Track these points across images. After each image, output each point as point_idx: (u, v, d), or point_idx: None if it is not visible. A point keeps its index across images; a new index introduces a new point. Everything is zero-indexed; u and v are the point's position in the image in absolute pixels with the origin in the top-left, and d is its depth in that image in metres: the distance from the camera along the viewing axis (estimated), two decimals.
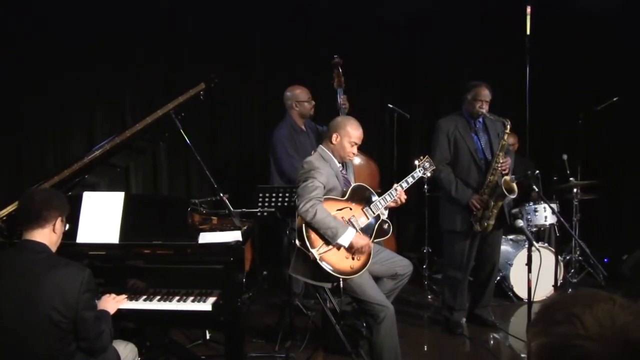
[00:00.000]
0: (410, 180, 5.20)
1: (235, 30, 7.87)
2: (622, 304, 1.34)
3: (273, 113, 7.42)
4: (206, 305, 4.20)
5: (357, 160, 6.82)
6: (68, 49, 7.14)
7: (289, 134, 6.63)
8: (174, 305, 4.22)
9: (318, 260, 4.66)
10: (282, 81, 7.22)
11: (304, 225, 4.71)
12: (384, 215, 5.06)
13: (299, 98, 6.73)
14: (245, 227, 4.71)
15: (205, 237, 4.50)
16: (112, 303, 4.00)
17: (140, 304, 4.23)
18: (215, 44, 7.77)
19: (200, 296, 4.28)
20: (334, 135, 5.02)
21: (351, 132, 5.02)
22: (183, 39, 7.70)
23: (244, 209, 5.36)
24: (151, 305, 4.23)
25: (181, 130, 4.77)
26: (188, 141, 4.78)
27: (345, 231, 4.73)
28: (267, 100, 8.08)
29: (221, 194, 4.79)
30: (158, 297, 4.28)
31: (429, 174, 5.36)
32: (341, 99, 6.51)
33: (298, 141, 6.61)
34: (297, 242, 4.77)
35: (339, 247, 4.75)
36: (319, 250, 4.68)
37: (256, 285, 4.99)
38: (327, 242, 4.72)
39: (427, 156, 5.38)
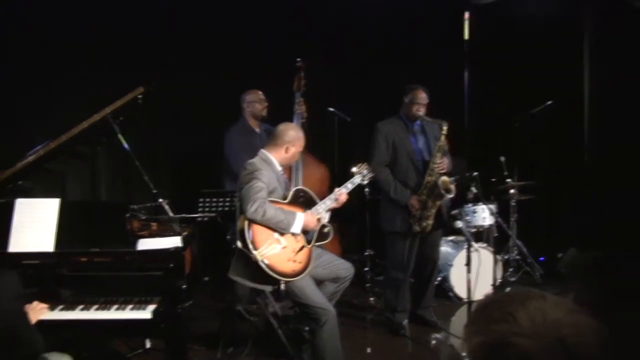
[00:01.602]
0: (349, 186, 5.28)
1: (188, 29, 7.78)
2: (554, 301, 1.37)
3: (222, 115, 7.38)
4: (146, 313, 4.12)
5: (309, 165, 6.84)
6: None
7: (240, 134, 6.70)
8: (113, 313, 4.13)
9: (260, 262, 4.65)
10: (230, 82, 7.20)
11: (246, 226, 4.71)
12: (325, 219, 5.09)
13: (250, 99, 6.81)
14: (185, 233, 4.66)
15: (145, 244, 4.43)
16: (34, 312, 3.89)
17: (77, 314, 4.12)
18: (167, 44, 7.66)
19: (140, 304, 4.20)
20: (287, 147, 5.08)
21: (300, 140, 5.15)
22: (134, 37, 7.57)
23: (184, 215, 5.31)
24: (88, 315, 4.12)
25: (119, 135, 4.69)
26: (126, 145, 4.71)
27: (295, 218, 4.83)
28: (216, 103, 7.99)
29: (160, 200, 4.73)
30: (96, 306, 4.18)
31: (367, 181, 5.45)
32: (297, 102, 6.55)
33: (249, 142, 6.61)
34: (238, 243, 4.75)
35: (283, 247, 4.78)
36: (261, 251, 4.67)
37: (198, 291, 4.94)
38: (271, 244, 4.73)
39: (365, 163, 5.46)
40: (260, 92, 6.85)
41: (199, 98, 7.85)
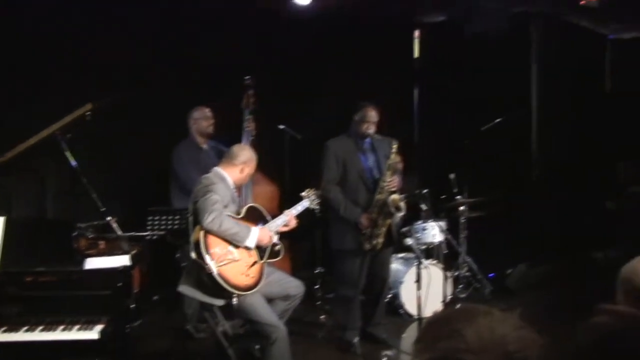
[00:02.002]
0: (299, 208, 5.43)
1: (137, 46, 7.71)
2: (501, 317, 1.39)
3: (170, 133, 7.33)
4: (93, 333, 4.06)
5: (259, 182, 6.85)
6: None
7: (188, 150, 6.70)
8: (59, 334, 4.05)
9: (214, 274, 4.66)
10: (177, 100, 7.16)
11: (202, 237, 4.73)
12: (275, 237, 5.13)
13: (196, 116, 6.79)
14: (134, 251, 4.61)
15: (92, 263, 4.38)
16: None
17: (21, 336, 4.03)
18: (114, 60, 7.57)
19: (87, 324, 4.13)
20: (243, 167, 5.19)
21: (254, 164, 5.29)
22: (83, 53, 7.47)
23: (132, 233, 5.26)
24: (33, 337, 4.03)
25: (66, 152, 4.64)
26: (73, 163, 4.66)
27: (250, 232, 4.92)
28: (160, 121, 7.93)
29: (109, 218, 4.69)
30: (41, 327, 4.09)
31: (314, 206, 5.63)
32: (246, 120, 6.56)
33: (197, 158, 6.61)
34: (192, 254, 4.75)
35: (237, 260, 4.82)
36: (215, 263, 4.67)
37: (147, 310, 4.89)
38: (226, 255, 4.77)
39: (313, 189, 5.63)
40: (207, 109, 6.83)
41: (147, 114, 7.78)
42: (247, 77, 6.65)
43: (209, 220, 4.72)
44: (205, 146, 6.80)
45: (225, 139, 6.85)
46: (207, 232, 4.76)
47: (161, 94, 7.86)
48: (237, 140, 6.65)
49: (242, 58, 8.07)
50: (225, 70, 7.75)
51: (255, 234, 4.96)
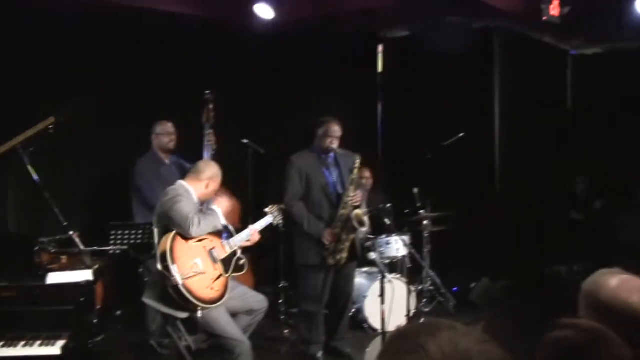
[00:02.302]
0: (262, 224, 5.48)
1: (97, 60, 7.66)
2: (464, 331, 1.38)
3: (132, 147, 7.30)
4: (55, 349, 4.03)
5: (221, 198, 6.82)
6: None
7: (149, 164, 6.64)
8: (20, 350, 4.01)
9: (180, 286, 4.64)
10: (140, 114, 7.13)
11: (168, 249, 4.72)
12: (238, 253, 5.17)
13: (156, 131, 6.75)
14: (96, 266, 4.58)
15: (54, 277, 4.34)
16: None
17: None
18: (73, 73, 7.52)
19: (49, 339, 4.09)
20: (208, 182, 5.22)
21: (219, 180, 5.33)
22: (44, 67, 7.41)
23: (95, 247, 5.22)
24: None
25: (28, 166, 4.60)
26: (35, 177, 4.62)
27: (215, 213, 5.17)
28: (123, 135, 7.89)
29: (71, 232, 4.65)
30: (1, 343, 4.05)
31: (277, 222, 5.69)
32: (207, 134, 6.53)
33: (159, 174, 6.57)
34: (159, 265, 4.73)
35: (202, 273, 4.83)
36: (182, 274, 4.66)
37: (109, 325, 4.85)
38: (192, 268, 4.77)
39: (276, 205, 5.68)
40: (169, 124, 6.79)
41: (107, 128, 7.75)
42: (207, 91, 6.62)
43: (195, 228, 4.82)
44: (167, 161, 6.76)
45: (186, 154, 6.85)
46: (188, 239, 4.84)
47: (122, 107, 7.84)
48: (199, 155, 6.66)
49: (204, 72, 8.06)
50: (187, 84, 7.75)
51: (219, 211, 5.19)
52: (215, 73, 8.22)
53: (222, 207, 5.32)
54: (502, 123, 8.90)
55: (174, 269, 4.66)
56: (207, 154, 6.46)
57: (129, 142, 7.57)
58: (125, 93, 7.84)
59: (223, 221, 5.15)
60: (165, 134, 6.72)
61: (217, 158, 6.37)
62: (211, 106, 6.60)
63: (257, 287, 6.75)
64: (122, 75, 7.81)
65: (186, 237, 4.88)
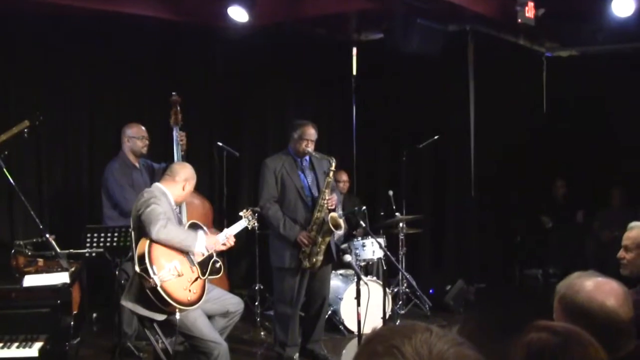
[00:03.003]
0: (237, 227, 5.44)
1: (60, 63, 7.63)
2: (438, 333, 1.40)
3: (102, 150, 7.30)
4: (32, 351, 4.03)
5: (192, 200, 6.81)
6: None
7: (120, 168, 6.56)
8: None
9: (158, 287, 4.63)
10: (110, 117, 7.10)
11: (146, 250, 4.70)
12: (215, 255, 5.17)
13: (131, 134, 6.65)
14: (72, 269, 4.58)
15: (31, 280, 4.34)
16: None
17: None
18: (43, 78, 7.49)
19: (26, 342, 4.09)
20: (185, 184, 5.17)
21: (194, 181, 5.28)
22: (6, 70, 7.37)
23: (71, 250, 5.21)
24: None
25: (4, 169, 4.60)
26: (11, 180, 4.61)
27: (197, 237, 5.00)
28: (95, 138, 7.87)
29: (47, 235, 4.64)
30: None
31: (252, 225, 5.64)
32: (179, 136, 6.46)
33: (130, 177, 6.53)
34: (137, 268, 4.72)
35: (180, 275, 4.80)
36: (160, 276, 4.65)
37: (85, 328, 4.85)
38: (169, 270, 4.74)
39: (250, 209, 5.66)
40: (142, 128, 6.70)
41: (77, 131, 7.75)
42: (173, 93, 6.45)
43: (156, 229, 4.70)
44: (137, 165, 6.71)
45: (152, 157, 6.83)
46: (155, 242, 4.74)
47: (92, 110, 7.83)
48: (165, 158, 6.65)
49: (176, 75, 8.06)
50: (158, 87, 7.73)
51: (203, 238, 5.03)
52: (187, 76, 8.24)
53: (212, 241, 5.14)
54: (477, 125, 8.97)
55: (152, 271, 4.66)
56: (177, 155, 6.37)
57: (99, 144, 7.59)
58: (95, 96, 7.84)
59: (202, 248, 5.02)
60: (139, 137, 6.64)
61: (189, 160, 6.33)
62: (178, 108, 6.48)
63: (233, 289, 6.77)
64: (93, 78, 7.80)
65: None
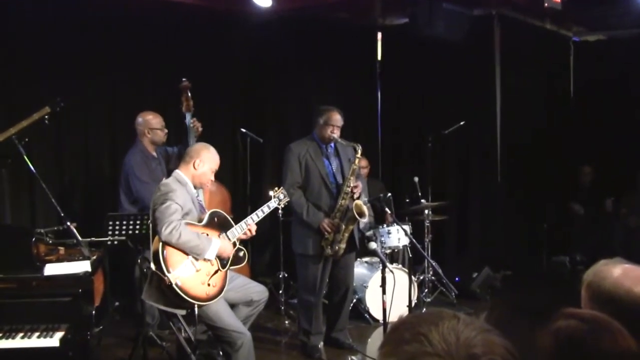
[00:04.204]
0: (265, 209, 5.32)
1: (80, 50, 7.59)
2: (466, 321, 1.39)
3: (122, 138, 7.27)
4: (53, 341, 4.00)
5: (210, 187, 6.75)
6: None
7: (141, 160, 6.47)
8: (18, 342, 3.99)
9: (173, 285, 4.56)
10: (130, 104, 7.09)
11: (160, 248, 4.61)
12: (238, 243, 5.08)
13: (153, 125, 6.56)
14: (94, 257, 4.55)
15: (52, 269, 4.31)
16: None
17: None
18: (59, 65, 7.46)
19: (47, 331, 4.07)
20: (197, 161, 5.00)
21: (213, 159, 5.10)
22: (26, 57, 7.35)
23: (92, 238, 5.18)
24: None
25: (24, 156, 4.57)
26: (32, 168, 4.58)
27: (211, 244, 4.78)
28: (116, 125, 7.84)
29: (68, 223, 4.61)
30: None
31: (283, 205, 5.58)
32: (191, 121, 6.38)
33: (150, 168, 6.47)
34: (152, 265, 4.66)
35: (197, 270, 4.72)
36: (175, 274, 4.59)
37: (107, 317, 4.82)
38: (185, 266, 4.67)
39: (281, 187, 5.55)
40: (161, 118, 6.65)
41: (98, 119, 7.74)
42: (183, 79, 6.34)
43: (166, 232, 4.57)
44: (155, 154, 6.66)
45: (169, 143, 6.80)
46: (165, 243, 4.64)
47: (117, 98, 7.80)
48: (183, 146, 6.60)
49: (201, 61, 8.00)
50: (180, 74, 7.70)
51: (217, 246, 4.82)
52: (209, 62, 8.18)
53: (226, 247, 4.92)
54: (504, 110, 8.87)
55: (166, 269, 4.59)
56: (191, 142, 6.28)
57: (120, 131, 7.57)
58: (116, 83, 7.81)
59: (212, 256, 4.80)
60: (161, 128, 6.59)
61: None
62: (189, 94, 6.38)
63: (257, 277, 6.73)
64: (113, 65, 7.74)
65: None
